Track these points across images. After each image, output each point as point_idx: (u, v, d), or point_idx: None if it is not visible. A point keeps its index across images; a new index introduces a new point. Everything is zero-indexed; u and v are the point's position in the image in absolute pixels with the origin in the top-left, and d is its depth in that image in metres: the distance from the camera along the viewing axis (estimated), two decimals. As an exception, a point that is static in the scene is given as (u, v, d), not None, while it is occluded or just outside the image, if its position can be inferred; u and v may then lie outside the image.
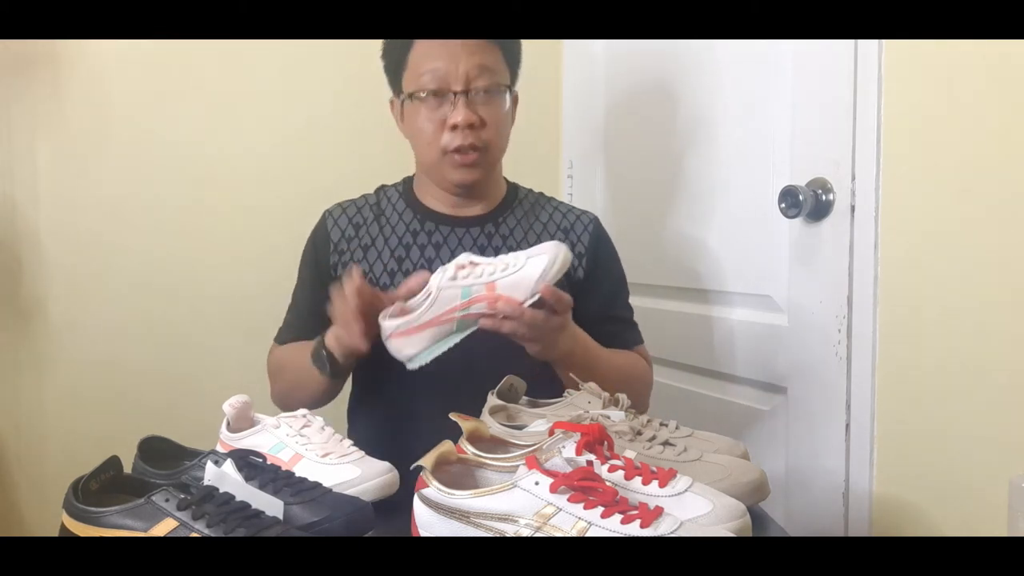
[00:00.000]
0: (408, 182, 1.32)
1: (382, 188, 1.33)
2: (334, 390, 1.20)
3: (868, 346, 1.17)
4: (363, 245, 1.25)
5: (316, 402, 1.17)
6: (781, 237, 1.32)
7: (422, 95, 1.17)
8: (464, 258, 0.99)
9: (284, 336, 1.30)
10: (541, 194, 1.36)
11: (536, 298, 0.97)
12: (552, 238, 1.27)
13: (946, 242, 1.06)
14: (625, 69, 1.76)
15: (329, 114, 1.77)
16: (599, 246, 1.30)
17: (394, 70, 1.23)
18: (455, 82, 1.15)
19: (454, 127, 1.15)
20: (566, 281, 1.24)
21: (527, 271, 0.96)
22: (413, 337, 1.00)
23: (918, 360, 1.11)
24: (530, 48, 1.85)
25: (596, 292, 1.25)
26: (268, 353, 1.32)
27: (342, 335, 1.07)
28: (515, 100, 1.26)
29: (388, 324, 1.01)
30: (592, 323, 1.17)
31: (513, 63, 1.24)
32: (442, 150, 1.18)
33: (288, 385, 1.23)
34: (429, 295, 0.98)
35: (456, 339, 1.00)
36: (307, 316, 1.26)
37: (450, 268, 0.98)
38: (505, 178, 1.33)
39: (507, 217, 1.28)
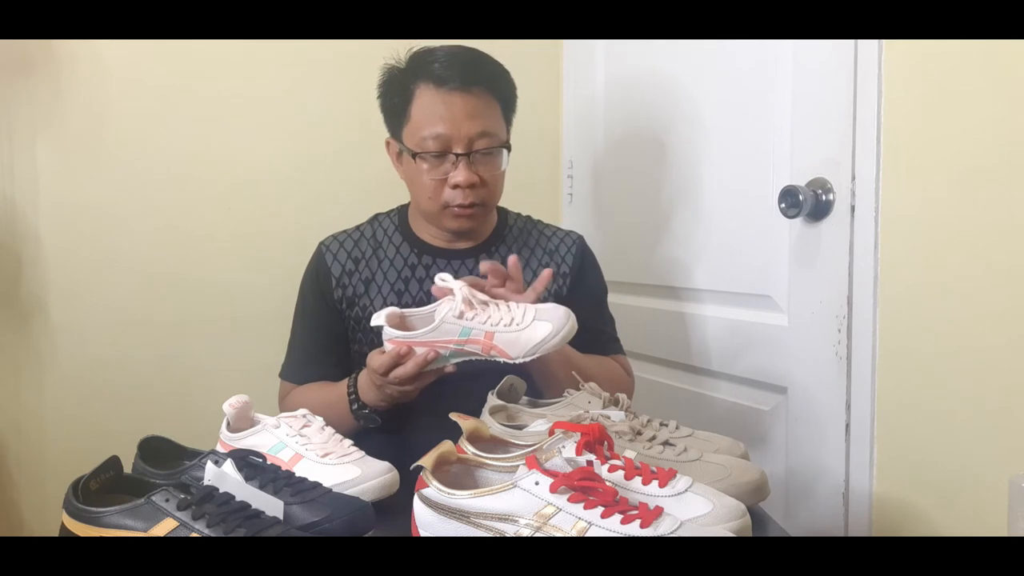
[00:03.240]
0: (403, 213, 1.34)
1: (376, 218, 1.35)
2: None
3: (868, 346, 1.17)
4: (364, 279, 1.27)
5: (351, 434, 1.14)
6: (781, 237, 1.32)
7: (425, 156, 1.19)
8: (478, 296, 1.00)
9: (299, 375, 1.29)
10: (528, 218, 1.39)
11: (527, 359, 0.97)
12: (540, 262, 1.31)
13: (946, 242, 1.06)
14: (625, 69, 1.76)
15: (330, 114, 1.77)
16: (582, 263, 1.34)
17: (393, 116, 1.24)
18: (457, 145, 1.18)
19: (455, 186, 1.19)
20: (553, 299, 1.28)
21: (528, 334, 0.97)
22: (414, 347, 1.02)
23: (918, 360, 1.11)
24: (530, 48, 1.87)
25: (578, 306, 1.27)
26: (281, 392, 1.31)
27: (398, 397, 1.08)
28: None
29: (390, 332, 1.03)
30: (574, 338, 1.18)
31: (509, 112, 1.26)
32: (443, 205, 1.21)
33: None
34: (432, 323, 1.00)
35: (443, 363, 1.03)
36: (319, 353, 1.28)
37: (458, 304, 0.99)
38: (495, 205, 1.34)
39: (499, 247, 1.31)
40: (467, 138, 1.18)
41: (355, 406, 1.14)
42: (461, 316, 0.98)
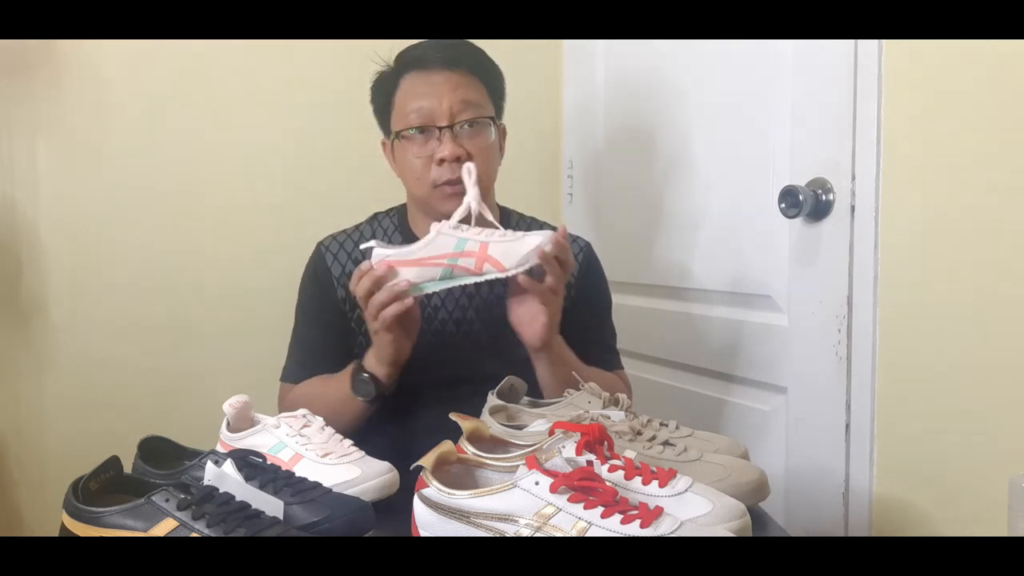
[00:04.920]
0: (402, 213, 1.32)
1: (375, 218, 1.33)
2: (369, 414, 1.17)
3: (868, 346, 1.17)
4: None
5: (351, 430, 1.11)
6: (781, 237, 1.32)
7: (409, 133, 1.18)
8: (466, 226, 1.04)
9: (299, 375, 1.28)
10: (533, 220, 1.37)
11: (520, 270, 1.03)
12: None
13: (946, 242, 1.06)
14: (625, 68, 1.76)
15: (329, 114, 1.77)
16: (589, 273, 1.32)
17: (382, 112, 1.24)
18: (440, 118, 1.16)
19: (441, 161, 1.17)
20: None
21: (521, 244, 1.03)
22: (401, 269, 1.05)
23: (918, 360, 1.11)
24: (530, 48, 1.87)
25: (583, 317, 1.26)
26: (281, 394, 1.30)
27: (388, 349, 1.07)
28: (503, 133, 1.27)
29: (380, 251, 1.06)
30: (576, 346, 1.18)
31: (497, 97, 1.25)
32: (431, 184, 1.19)
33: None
34: (428, 235, 1.04)
35: (436, 287, 1.05)
36: (321, 354, 1.26)
37: (454, 219, 1.06)
38: (498, 204, 1.33)
39: None
40: (449, 109, 1.16)
41: (359, 375, 1.12)
42: (457, 228, 1.04)
